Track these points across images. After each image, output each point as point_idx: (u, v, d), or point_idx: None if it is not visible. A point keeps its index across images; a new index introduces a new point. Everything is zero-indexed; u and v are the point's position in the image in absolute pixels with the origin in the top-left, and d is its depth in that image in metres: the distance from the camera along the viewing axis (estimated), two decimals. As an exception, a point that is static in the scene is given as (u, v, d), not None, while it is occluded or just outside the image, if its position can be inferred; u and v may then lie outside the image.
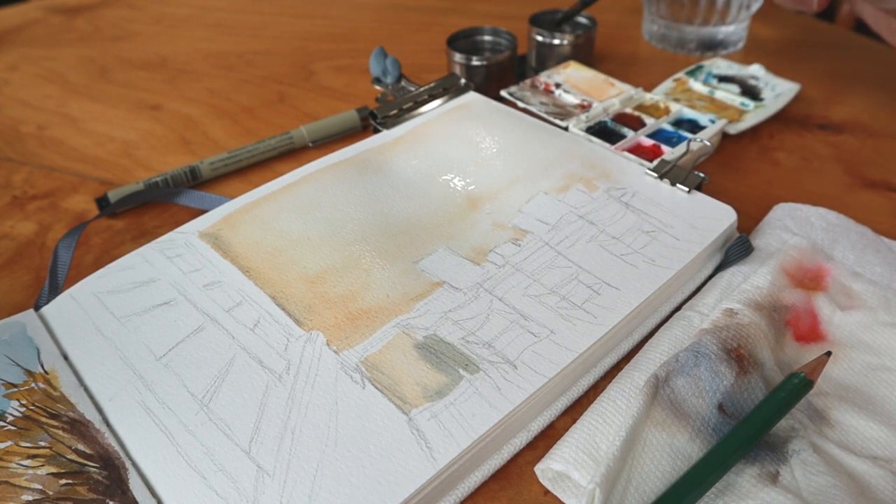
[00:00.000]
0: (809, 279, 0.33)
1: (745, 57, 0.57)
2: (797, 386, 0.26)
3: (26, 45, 0.64)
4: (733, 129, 0.44)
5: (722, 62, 0.52)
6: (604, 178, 0.39)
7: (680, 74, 0.51)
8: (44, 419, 0.28)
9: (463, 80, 0.48)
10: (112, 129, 0.51)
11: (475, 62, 0.50)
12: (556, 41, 0.53)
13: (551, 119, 0.45)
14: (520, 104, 0.47)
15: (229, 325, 0.31)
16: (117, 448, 0.27)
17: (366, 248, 0.34)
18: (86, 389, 0.29)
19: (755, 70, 0.51)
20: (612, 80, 0.49)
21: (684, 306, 0.33)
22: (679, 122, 0.45)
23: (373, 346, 0.30)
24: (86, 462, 0.26)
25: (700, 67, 0.52)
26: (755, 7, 0.56)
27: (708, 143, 0.41)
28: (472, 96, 0.46)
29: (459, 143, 0.42)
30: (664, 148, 0.42)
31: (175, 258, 0.35)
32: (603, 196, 0.37)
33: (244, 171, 0.46)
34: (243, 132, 0.50)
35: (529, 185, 0.38)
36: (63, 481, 0.26)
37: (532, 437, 0.28)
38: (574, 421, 0.28)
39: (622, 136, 0.43)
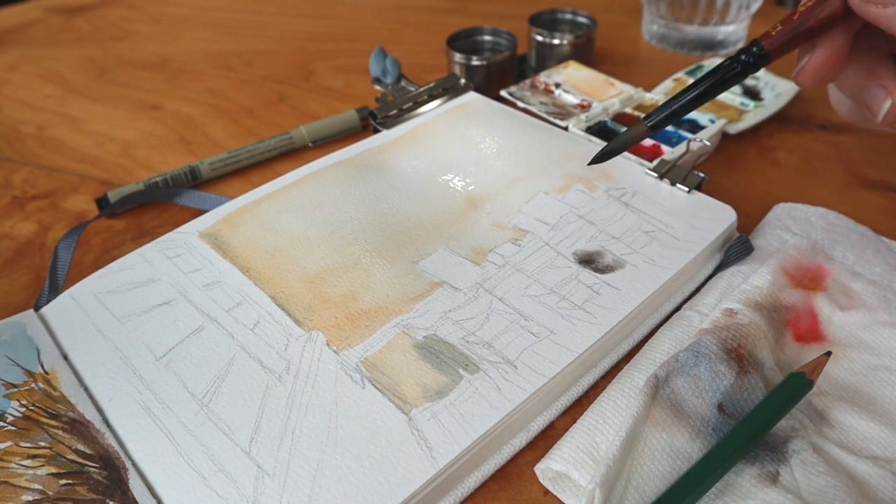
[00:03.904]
0: (809, 279, 0.33)
1: (745, 57, 0.57)
2: (797, 386, 0.26)
3: (26, 45, 0.64)
4: (733, 129, 0.44)
5: (722, 62, 0.52)
6: (604, 178, 0.39)
7: (680, 74, 0.51)
8: (44, 419, 0.28)
9: (463, 80, 0.48)
10: (112, 129, 0.51)
11: (475, 62, 0.50)
12: (556, 41, 0.53)
13: (551, 119, 0.45)
14: (520, 104, 0.47)
15: (229, 325, 0.31)
16: (117, 448, 0.27)
17: (366, 248, 0.34)
18: (86, 389, 0.29)
19: (755, 70, 0.51)
20: (611, 80, 0.49)
21: (684, 306, 0.33)
22: (679, 122, 0.45)
23: (373, 346, 0.30)
24: (86, 462, 0.26)
25: (700, 67, 0.52)
26: (755, 7, 0.56)
27: (708, 143, 0.41)
28: (471, 96, 0.46)
29: (459, 143, 0.42)
30: (664, 148, 0.42)
31: (175, 258, 0.35)
32: (603, 196, 0.37)
33: (244, 171, 0.46)
34: (243, 132, 0.50)
35: (529, 185, 0.38)
36: (63, 481, 0.26)
37: (532, 437, 0.28)
38: (574, 421, 0.28)
39: (622, 136, 0.43)
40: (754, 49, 0.29)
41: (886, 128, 0.31)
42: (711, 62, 0.52)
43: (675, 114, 0.30)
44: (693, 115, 0.45)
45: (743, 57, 0.29)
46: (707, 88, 0.30)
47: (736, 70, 0.29)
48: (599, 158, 0.32)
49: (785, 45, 0.29)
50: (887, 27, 0.27)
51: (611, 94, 0.47)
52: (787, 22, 0.29)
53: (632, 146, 0.32)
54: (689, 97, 0.30)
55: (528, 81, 0.49)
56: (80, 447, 0.27)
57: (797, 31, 0.29)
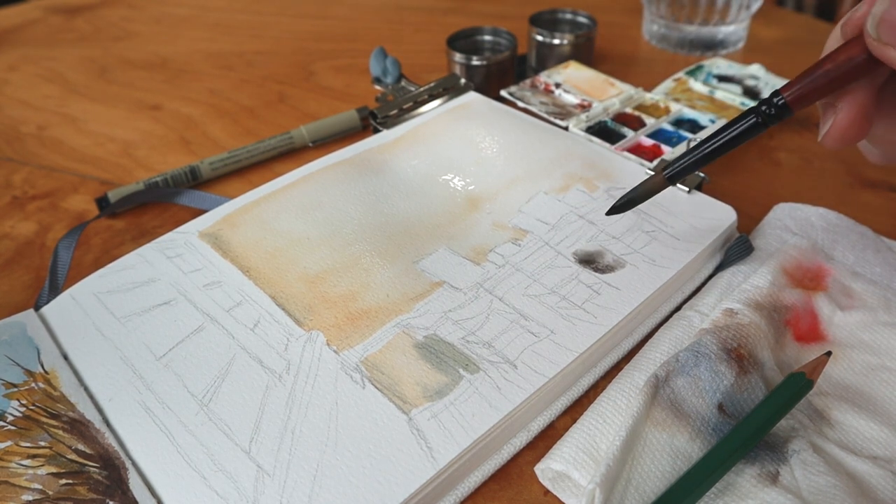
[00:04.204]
0: (809, 279, 0.33)
1: (745, 57, 0.57)
2: (797, 386, 0.26)
3: (26, 45, 0.64)
4: (733, 129, 0.44)
5: (722, 62, 0.52)
6: (604, 178, 0.39)
7: (680, 74, 0.51)
8: (44, 419, 0.28)
9: (463, 80, 0.48)
10: (112, 129, 0.51)
11: (475, 62, 0.50)
12: (556, 41, 0.53)
13: (551, 119, 0.45)
14: (520, 104, 0.47)
15: (229, 325, 0.31)
16: (117, 448, 0.27)
17: (366, 248, 0.34)
18: (86, 389, 0.29)
19: (755, 70, 0.51)
20: (612, 80, 0.49)
21: (684, 306, 0.33)
22: (679, 122, 0.45)
23: (373, 346, 0.30)
24: (86, 462, 0.26)
25: (700, 67, 0.52)
26: (755, 7, 0.56)
27: (708, 143, 0.41)
28: (472, 96, 0.46)
29: (459, 143, 0.42)
30: (664, 148, 0.42)
31: (175, 258, 0.35)
32: (603, 196, 0.37)
33: (244, 171, 0.46)
34: (243, 132, 0.50)
35: (529, 184, 0.38)
36: (63, 481, 0.26)
37: (532, 437, 0.28)
38: (574, 421, 0.28)
39: (622, 136, 0.43)
40: (775, 100, 0.28)
41: None
42: (712, 62, 0.52)
43: (694, 165, 0.30)
44: (693, 115, 0.45)
45: (763, 108, 0.28)
46: (727, 141, 0.29)
47: (756, 122, 0.29)
48: (617, 209, 0.33)
49: (807, 96, 0.28)
50: None
51: (611, 94, 0.47)
52: (808, 72, 0.28)
53: (650, 197, 0.32)
54: (708, 149, 0.30)
55: (528, 81, 0.49)
56: (80, 447, 0.27)
57: (817, 81, 0.27)
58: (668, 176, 0.31)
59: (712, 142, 0.30)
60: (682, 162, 0.31)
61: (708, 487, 0.25)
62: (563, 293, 0.32)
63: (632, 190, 0.32)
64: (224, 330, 0.31)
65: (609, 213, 0.33)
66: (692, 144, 0.40)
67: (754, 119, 0.29)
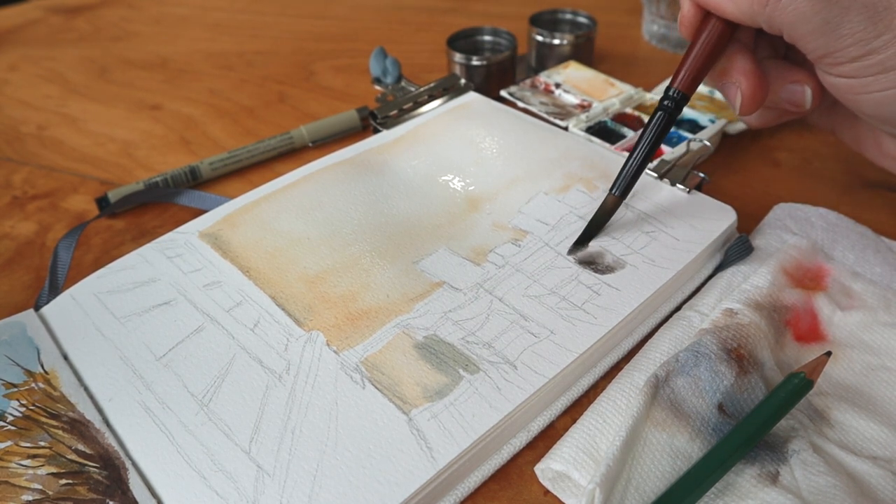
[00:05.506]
0: (809, 279, 0.33)
1: (745, 57, 0.57)
2: (797, 386, 0.26)
3: (26, 45, 0.64)
4: (733, 129, 0.44)
5: (722, 62, 0.52)
6: (604, 178, 0.39)
7: (680, 74, 0.51)
8: (44, 419, 0.28)
9: (463, 80, 0.48)
10: (112, 129, 0.51)
11: (475, 62, 0.50)
12: (556, 41, 0.53)
13: (551, 119, 0.45)
14: (520, 104, 0.47)
15: (229, 325, 0.31)
16: (117, 448, 0.27)
17: (366, 249, 0.34)
18: (86, 389, 0.29)
19: (755, 70, 0.51)
20: (612, 80, 0.49)
21: (684, 306, 0.33)
22: (679, 122, 0.45)
23: (373, 346, 0.30)
24: (86, 462, 0.26)
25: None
26: (755, 7, 0.56)
27: (708, 143, 0.41)
28: (472, 96, 0.46)
29: (459, 144, 0.42)
30: (664, 148, 0.42)
31: (175, 258, 0.35)
32: (603, 196, 0.37)
33: (244, 171, 0.46)
34: (243, 132, 0.50)
35: (529, 185, 0.38)
36: (63, 481, 0.26)
37: (532, 437, 0.28)
38: (574, 421, 0.28)
39: (622, 136, 0.43)
40: (671, 93, 0.32)
41: (811, 113, 0.35)
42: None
43: (634, 175, 0.33)
44: (693, 115, 0.45)
45: (666, 103, 0.32)
46: (652, 143, 0.33)
47: (665, 118, 0.33)
48: (583, 241, 0.34)
49: (694, 79, 0.32)
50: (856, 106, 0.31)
51: (611, 95, 0.47)
52: (685, 59, 0.32)
53: (608, 218, 0.34)
54: (640, 157, 0.33)
55: (528, 81, 0.49)
56: (80, 447, 0.27)
57: (696, 62, 0.32)
58: (617, 194, 0.33)
59: (640, 148, 0.33)
60: (623, 176, 0.33)
61: (708, 487, 0.25)
62: (563, 294, 0.32)
63: (592, 219, 0.34)
64: (224, 330, 0.31)
65: (571, 250, 0.34)
66: (692, 145, 0.40)
67: (665, 116, 0.32)
